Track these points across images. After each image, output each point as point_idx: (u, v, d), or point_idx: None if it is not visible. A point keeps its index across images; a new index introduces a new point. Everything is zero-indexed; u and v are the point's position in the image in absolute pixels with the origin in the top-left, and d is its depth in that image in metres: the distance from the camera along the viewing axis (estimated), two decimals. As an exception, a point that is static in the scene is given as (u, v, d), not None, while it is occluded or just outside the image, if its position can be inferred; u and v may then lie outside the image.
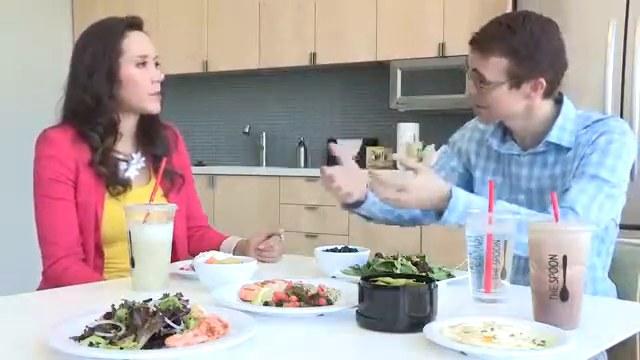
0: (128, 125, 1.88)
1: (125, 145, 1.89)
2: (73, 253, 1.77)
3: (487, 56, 1.62)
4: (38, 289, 1.81)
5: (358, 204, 1.78)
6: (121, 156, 1.86)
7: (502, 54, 1.61)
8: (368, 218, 1.86)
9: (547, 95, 1.68)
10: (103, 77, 1.80)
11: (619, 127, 1.66)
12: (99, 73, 1.80)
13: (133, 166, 1.89)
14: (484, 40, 1.64)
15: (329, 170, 1.69)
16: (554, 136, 1.67)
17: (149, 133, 1.92)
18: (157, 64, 1.87)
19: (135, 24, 1.86)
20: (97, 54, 1.81)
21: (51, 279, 1.76)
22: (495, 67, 1.62)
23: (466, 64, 1.70)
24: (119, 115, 1.84)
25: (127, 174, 1.85)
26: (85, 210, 1.79)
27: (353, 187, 1.72)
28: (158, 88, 1.85)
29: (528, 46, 1.60)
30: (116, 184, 1.81)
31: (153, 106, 1.86)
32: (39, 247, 1.80)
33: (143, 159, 1.91)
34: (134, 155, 1.90)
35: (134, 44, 1.83)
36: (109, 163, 1.82)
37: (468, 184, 1.86)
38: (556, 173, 1.69)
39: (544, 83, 1.64)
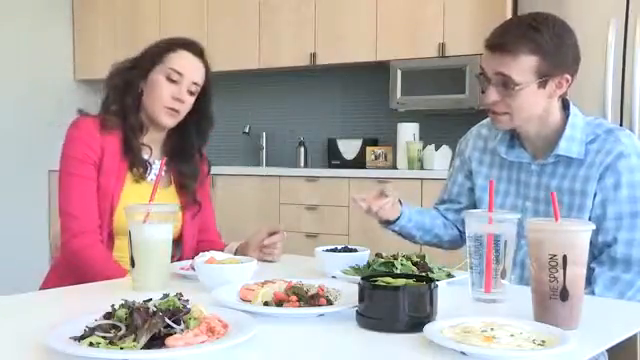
0: (154, 134, 1.94)
1: (152, 144, 1.93)
2: (93, 230, 1.80)
3: (516, 56, 1.59)
4: (52, 266, 1.92)
5: (394, 221, 1.86)
6: (146, 149, 1.92)
7: (531, 52, 1.59)
8: (405, 236, 1.94)
9: (563, 93, 1.68)
10: (140, 72, 1.90)
11: (633, 146, 1.65)
12: (139, 69, 1.90)
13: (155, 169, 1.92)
14: (510, 41, 1.60)
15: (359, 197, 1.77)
16: (563, 148, 1.67)
17: (182, 154, 1.98)
18: (192, 93, 1.91)
19: (192, 46, 1.95)
20: (146, 55, 1.92)
21: (69, 253, 1.80)
22: (525, 66, 1.59)
23: (481, 71, 1.66)
24: (144, 119, 1.91)
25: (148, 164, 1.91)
26: (103, 194, 1.83)
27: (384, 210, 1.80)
28: (177, 106, 1.89)
29: (554, 42, 1.60)
30: (139, 166, 1.87)
31: (166, 119, 1.90)
32: (59, 219, 1.84)
33: (165, 168, 1.93)
34: (157, 161, 1.93)
35: (176, 59, 1.90)
36: (134, 148, 1.88)
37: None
38: (565, 184, 1.68)
39: (569, 79, 1.64)
